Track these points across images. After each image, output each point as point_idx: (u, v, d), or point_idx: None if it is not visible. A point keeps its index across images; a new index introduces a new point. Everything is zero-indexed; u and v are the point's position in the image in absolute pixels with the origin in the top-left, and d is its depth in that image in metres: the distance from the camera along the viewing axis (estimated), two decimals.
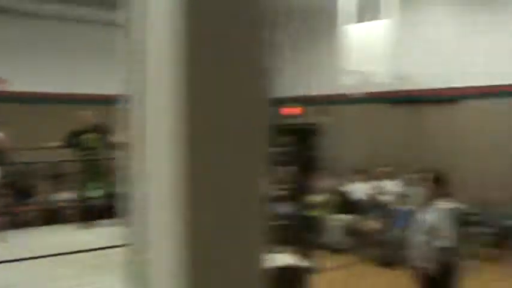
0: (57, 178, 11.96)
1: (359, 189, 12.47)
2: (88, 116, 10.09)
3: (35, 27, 13.27)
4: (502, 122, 11.67)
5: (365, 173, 12.59)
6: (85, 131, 9.91)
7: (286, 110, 14.88)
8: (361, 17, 11.60)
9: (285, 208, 10.58)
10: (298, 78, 15.04)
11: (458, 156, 11.86)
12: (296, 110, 15.14)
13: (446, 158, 11.66)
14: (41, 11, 12.76)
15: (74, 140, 9.88)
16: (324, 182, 12.17)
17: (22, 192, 11.80)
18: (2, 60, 12.89)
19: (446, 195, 5.62)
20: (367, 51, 11.26)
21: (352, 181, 12.76)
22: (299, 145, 15.10)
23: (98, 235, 8.21)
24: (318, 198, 11.58)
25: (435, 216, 5.96)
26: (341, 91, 12.09)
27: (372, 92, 12.61)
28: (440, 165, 11.26)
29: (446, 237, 5.94)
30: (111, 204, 9.49)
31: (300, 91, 14.81)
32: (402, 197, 11.18)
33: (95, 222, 9.17)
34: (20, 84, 13.09)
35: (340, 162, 13.45)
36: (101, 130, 9.90)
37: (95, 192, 9.91)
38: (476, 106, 12.11)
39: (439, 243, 5.97)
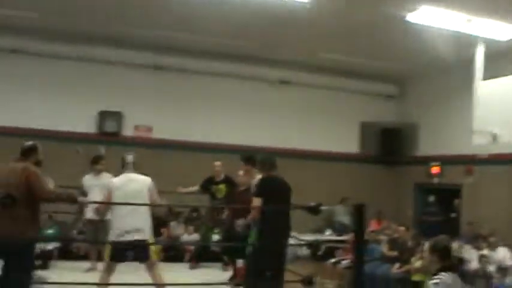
0: (188, 220, 13.42)
1: (472, 256, 10.98)
2: (218, 166, 10.80)
3: None
4: None
5: (484, 239, 11.21)
6: (217, 181, 10.69)
7: (433, 169, 14.62)
8: (495, 72, 10.53)
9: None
10: (434, 136, 14.84)
11: None
12: (436, 169, 14.63)
13: None
14: None
15: (206, 187, 10.77)
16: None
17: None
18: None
19: None
20: (499, 109, 10.17)
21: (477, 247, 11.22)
22: (440, 206, 14.73)
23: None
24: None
25: None
26: (473, 151, 11.36)
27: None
28: None
29: None
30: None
31: (437, 150, 14.53)
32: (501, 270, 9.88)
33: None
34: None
35: (475, 226, 12.44)
36: (229, 182, 10.56)
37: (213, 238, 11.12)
38: None
39: None
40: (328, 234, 15.02)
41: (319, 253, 12.68)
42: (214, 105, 15.14)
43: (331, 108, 16.08)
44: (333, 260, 11.99)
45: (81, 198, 6.54)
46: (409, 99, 16.62)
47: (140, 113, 14.64)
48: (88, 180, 9.84)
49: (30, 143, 6.45)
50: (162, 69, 14.72)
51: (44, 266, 9.76)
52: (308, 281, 7.34)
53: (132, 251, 6.88)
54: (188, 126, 14.86)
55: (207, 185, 10.66)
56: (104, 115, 14.35)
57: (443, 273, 5.03)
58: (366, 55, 14.08)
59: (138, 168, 7.38)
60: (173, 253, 12.04)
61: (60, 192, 6.86)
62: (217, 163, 10.73)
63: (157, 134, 14.81)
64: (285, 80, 15.61)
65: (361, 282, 7.02)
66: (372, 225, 14.88)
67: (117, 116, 14.46)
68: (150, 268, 6.91)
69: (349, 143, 16.31)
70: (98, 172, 9.82)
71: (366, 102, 16.47)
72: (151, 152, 13.84)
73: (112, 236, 6.90)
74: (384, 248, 11.44)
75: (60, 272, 9.42)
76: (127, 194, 6.92)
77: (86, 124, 14.23)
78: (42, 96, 13.88)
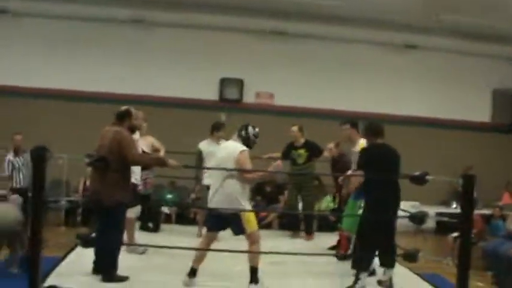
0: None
1: None
2: (294, 131, 10.22)
3: None
4: None
5: None
6: (296, 146, 10.17)
7: None
8: None
9: None
10: None
11: None
12: None
13: None
14: None
15: (288, 153, 10.21)
16: None
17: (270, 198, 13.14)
18: None
19: None
20: None
21: None
22: None
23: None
24: None
25: None
26: None
27: None
28: None
29: None
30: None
31: None
32: None
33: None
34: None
35: None
36: (310, 147, 10.10)
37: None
38: None
39: None
40: (454, 207, 14.32)
41: (423, 226, 12.00)
42: (337, 71, 14.85)
43: (459, 74, 15.18)
44: (454, 235, 11.35)
45: (171, 162, 6.48)
46: None
47: (261, 79, 14.63)
48: (205, 146, 9.65)
49: (124, 108, 6.50)
50: (283, 35, 14.57)
51: (155, 229, 9.98)
52: (410, 256, 6.92)
53: (226, 223, 6.69)
54: (310, 93, 14.67)
55: (288, 151, 10.31)
56: (225, 82, 14.44)
57: None
58: (497, 15, 13.05)
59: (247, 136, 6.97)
60: (287, 220, 11.92)
61: (148, 156, 6.90)
62: (294, 128, 10.24)
63: (279, 101, 14.71)
64: (411, 44, 14.91)
65: (466, 260, 6.53)
66: (504, 199, 14.04)
67: (239, 83, 14.51)
68: (248, 239, 6.66)
69: (479, 111, 15.39)
70: (218, 139, 9.57)
71: (499, 67, 15.38)
72: (273, 119, 13.79)
73: (209, 204, 6.73)
74: (510, 224, 10.64)
75: (167, 235, 9.59)
76: (217, 162, 6.67)
77: (208, 91, 14.40)
78: (165, 65, 14.26)
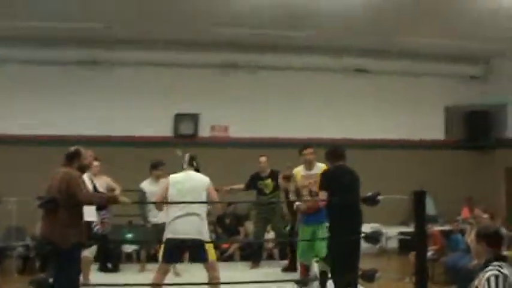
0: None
1: None
2: (263, 161, 10.35)
3: None
4: None
5: None
6: (262, 177, 10.27)
7: None
8: None
9: None
10: None
11: None
12: None
13: None
14: None
15: (254, 184, 10.34)
16: None
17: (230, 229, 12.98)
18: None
19: None
20: None
21: None
22: None
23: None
24: None
25: None
26: None
27: None
28: None
29: None
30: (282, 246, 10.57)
31: None
32: None
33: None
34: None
35: None
36: (275, 176, 10.19)
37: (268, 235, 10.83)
38: None
39: None
40: (413, 226, 14.39)
41: (387, 247, 12.16)
42: (289, 100, 14.91)
43: (412, 94, 15.42)
44: (414, 253, 11.41)
45: (123, 199, 6.49)
46: (494, 78, 15.61)
47: (217, 113, 14.62)
48: (146, 186, 9.74)
49: (73, 148, 6.45)
50: (235, 67, 14.64)
51: (114, 269, 9.84)
52: (367, 276, 6.93)
53: (187, 252, 6.73)
54: (265, 123, 14.71)
55: (254, 182, 10.34)
56: (179, 118, 14.41)
57: (500, 263, 4.29)
58: (445, 35, 13.30)
59: (199, 167, 7.15)
60: (248, 251, 11.86)
61: (99, 195, 6.86)
62: (262, 158, 10.40)
63: (234, 133, 14.76)
64: (361, 68, 15.10)
65: (423, 274, 6.59)
66: (464, 214, 14.19)
67: (194, 117, 14.48)
68: (209, 269, 6.67)
69: (434, 130, 15.63)
70: (157, 178, 9.66)
71: (450, 85, 15.67)
72: (229, 151, 13.84)
73: (166, 236, 6.70)
74: (469, 238, 10.75)
75: (125, 274, 9.47)
76: (182, 192, 6.67)
77: (162, 128, 14.35)
78: (118, 104, 14.15)
